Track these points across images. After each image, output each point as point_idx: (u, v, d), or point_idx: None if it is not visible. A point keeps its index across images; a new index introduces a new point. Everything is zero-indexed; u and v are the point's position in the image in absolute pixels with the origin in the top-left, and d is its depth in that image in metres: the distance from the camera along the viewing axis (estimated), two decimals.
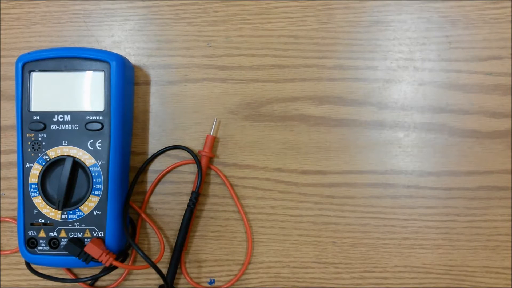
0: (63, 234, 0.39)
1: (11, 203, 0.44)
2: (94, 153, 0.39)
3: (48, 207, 0.39)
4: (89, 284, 0.43)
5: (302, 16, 0.44)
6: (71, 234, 0.39)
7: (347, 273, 0.44)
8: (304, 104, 0.44)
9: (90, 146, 0.39)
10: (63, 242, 0.39)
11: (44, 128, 0.39)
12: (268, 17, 0.44)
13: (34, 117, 0.39)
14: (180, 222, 0.43)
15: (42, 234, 0.39)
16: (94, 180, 0.39)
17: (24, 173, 0.39)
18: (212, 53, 0.44)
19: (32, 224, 0.40)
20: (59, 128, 0.39)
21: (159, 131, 0.44)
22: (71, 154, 0.39)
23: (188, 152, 0.43)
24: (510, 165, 0.43)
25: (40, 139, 0.39)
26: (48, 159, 0.39)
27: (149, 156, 0.44)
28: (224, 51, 0.44)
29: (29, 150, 0.39)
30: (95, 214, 0.39)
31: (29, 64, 0.39)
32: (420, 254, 0.43)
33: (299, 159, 0.44)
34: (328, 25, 0.44)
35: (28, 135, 0.39)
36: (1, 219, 0.44)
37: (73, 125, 0.39)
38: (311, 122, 0.44)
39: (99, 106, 0.39)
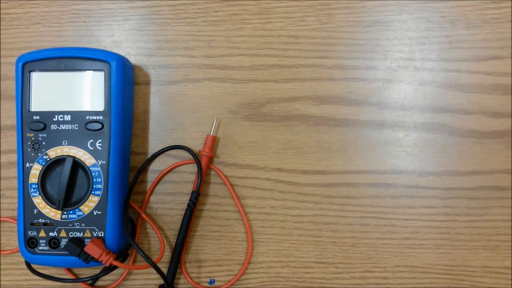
0: (63, 234, 0.39)
1: (11, 203, 0.44)
2: (94, 153, 0.39)
3: (48, 207, 0.39)
4: (89, 284, 0.43)
5: (302, 16, 0.44)
6: (71, 234, 0.39)
7: (347, 273, 0.44)
8: (304, 104, 0.44)
9: (90, 146, 0.39)
10: (63, 242, 0.39)
11: (44, 128, 0.39)
12: (268, 17, 0.44)
13: (34, 117, 0.39)
14: (180, 222, 0.43)
15: (42, 234, 0.39)
16: (94, 180, 0.39)
17: (24, 173, 0.39)
18: (212, 53, 0.44)
19: (32, 224, 0.40)
20: (59, 128, 0.39)
21: (159, 131, 0.44)
22: (71, 154, 0.39)
23: (188, 152, 0.43)
24: (510, 165, 0.43)
25: (40, 139, 0.39)
26: (48, 159, 0.39)
27: (149, 156, 0.44)
28: (224, 51, 0.44)
29: (29, 150, 0.39)
30: (95, 214, 0.39)
31: (29, 64, 0.39)
32: (420, 254, 0.43)
33: (299, 159, 0.44)
34: (328, 25, 0.44)
35: (28, 135, 0.39)
36: (1, 219, 0.44)
37: (73, 125, 0.39)
38: (311, 122, 0.44)
39: (99, 106, 0.39)
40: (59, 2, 0.45)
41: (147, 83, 0.44)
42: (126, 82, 0.41)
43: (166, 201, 0.44)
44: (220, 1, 0.44)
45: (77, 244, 0.38)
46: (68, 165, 0.39)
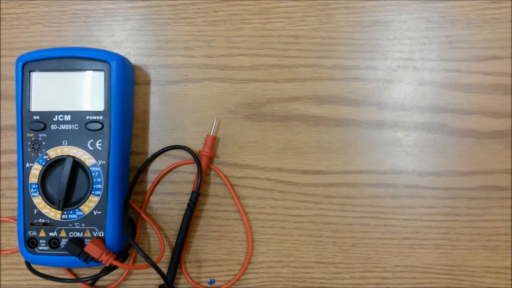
0: (63, 234, 0.39)
1: (11, 203, 0.44)
2: (94, 153, 0.39)
3: (48, 207, 0.39)
4: (89, 284, 0.43)
5: (302, 16, 0.44)
6: (71, 234, 0.39)
7: (347, 273, 0.44)
8: (304, 104, 0.44)
9: (90, 146, 0.39)
10: (63, 242, 0.39)
11: (44, 128, 0.39)
12: (268, 17, 0.44)
13: (34, 117, 0.39)
14: (180, 222, 0.43)
15: (42, 234, 0.40)
16: (94, 180, 0.39)
17: (24, 173, 0.39)
18: (212, 53, 0.44)
19: (32, 224, 0.40)
20: (59, 128, 0.39)
21: (159, 131, 0.44)
22: (71, 154, 0.39)
23: (188, 152, 0.43)
24: (510, 165, 0.43)
25: (40, 139, 0.39)
26: (48, 159, 0.39)
27: (149, 156, 0.44)
28: (224, 51, 0.44)
29: (29, 150, 0.39)
30: (95, 214, 0.39)
31: (29, 64, 0.39)
32: (420, 254, 0.43)
33: (299, 159, 0.44)
34: (328, 25, 0.44)
35: (28, 135, 0.39)
36: (1, 219, 0.44)
37: (73, 125, 0.39)
38: (311, 122, 0.44)
39: (99, 106, 0.39)
40: (59, 2, 0.45)
41: (147, 83, 0.44)
42: (126, 82, 0.41)
43: (166, 201, 0.44)
44: (220, 1, 0.44)
45: (77, 244, 0.38)
46: (68, 165, 0.39)
